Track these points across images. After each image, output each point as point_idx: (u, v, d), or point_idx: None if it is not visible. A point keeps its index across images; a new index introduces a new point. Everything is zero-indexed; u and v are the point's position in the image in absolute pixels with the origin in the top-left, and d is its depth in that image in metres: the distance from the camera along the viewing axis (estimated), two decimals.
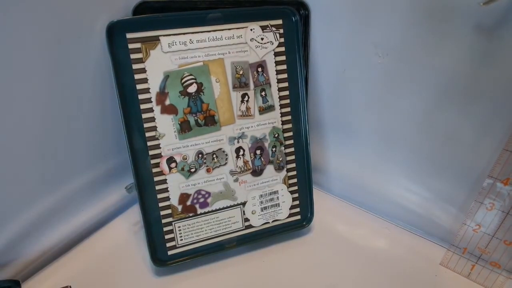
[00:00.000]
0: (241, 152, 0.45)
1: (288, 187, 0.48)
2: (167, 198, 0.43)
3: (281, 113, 0.46)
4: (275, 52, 0.44)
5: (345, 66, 0.47)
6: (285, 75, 0.45)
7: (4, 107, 0.36)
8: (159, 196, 0.43)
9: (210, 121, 0.43)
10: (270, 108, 0.45)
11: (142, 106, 0.41)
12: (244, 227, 0.47)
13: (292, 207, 0.49)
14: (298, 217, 0.49)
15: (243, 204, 0.46)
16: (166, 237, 0.44)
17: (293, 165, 0.48)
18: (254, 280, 0.44)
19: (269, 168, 0.47)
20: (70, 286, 0.40)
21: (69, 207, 0.47)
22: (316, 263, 0.46)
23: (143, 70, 0.40)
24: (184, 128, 0.42)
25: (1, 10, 0.33)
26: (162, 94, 0.41)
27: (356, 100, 0.48)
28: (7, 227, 0.40)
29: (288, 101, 0.46)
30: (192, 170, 0.44)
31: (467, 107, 0.39)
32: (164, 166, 0.42)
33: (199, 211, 0.45)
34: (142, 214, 0.42)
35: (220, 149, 0.44)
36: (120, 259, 0.47)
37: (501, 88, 0.36)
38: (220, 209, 0.46)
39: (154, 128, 0.41)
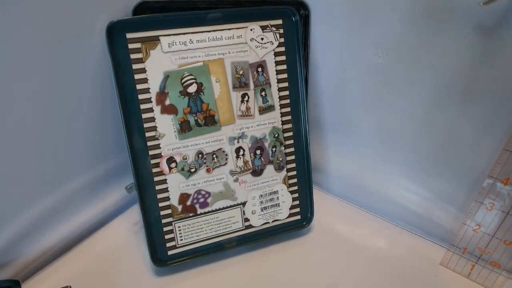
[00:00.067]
0: (241, 152, 0.45)
1: (288, 187, 0.48)
2: (167, 198, 0.43)
3: (281, 113, 0.46)
4: (275, 52, 0.44)
5: (345, 66, 0.47)
6: (285, 75, 0.45)
7: (4, 107, 0.36)
8: (159, 196, 0.43)
9: (210, 121, 0.43)
10: (270, 108, 0.45)
11: (142, 106, 0.41)
12: (244, 227, 0.47)
13: (292, 207, 0.49)
14: (298, 217, 0.49)
15: (243, 204, 0.46)
16: (166, 237, 0.44)
17: (293, 165, 0.48)
18: (254, 280, 0.44)
19: (269, 168, 0.47)
20: (70, 286, 0.40)
21: (69, 207, 0.47)
22: (316, 263, 0.46)
23: (143, 70, 0.40)
24: (184, 128, 0.42)
25: (1, 10, 0.33)
26: (162, 94, 0.41)
27: (356, 100, 0.48)
28: (7, 227, 0.40)
29: (288, 101, 0.46)
30: (192, 170, 0.44)
31: (467, 107, 0.39)
32: (164, 166, 0.42)
33: (199, 211, 0.45)
34: (142, 214, 0.42)
35: (220, 149, 0.44)
36: (120, 259, 0.47)
37: (501, 88, 0.36)
38: (220, 209, 0.46)
39: (154, 128, 0.41)
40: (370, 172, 0.52)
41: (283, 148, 0.47)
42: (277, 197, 0.48)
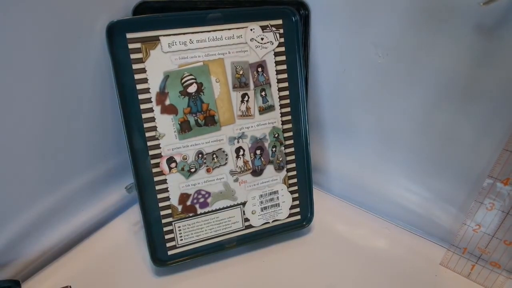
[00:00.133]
0: (241, 152, 0.45)
1: (288, 187, 0.48)
2: (167, 198, 0.43)
3: (281, 113, 0.46)
4: (275, 52, 0.44)
5: (345, 66, 0.47)
6: (285, 75, 0.45)
7: (4, 107, 0.36)
8: (159, 196, 0.43)
9: (210, 121, 0.43)
10: (270, 108, 0.45)
11: (142, 106, 0.41)
12: (244, 227, 0.47)
13: (292, 207, 0.49)
14: (298, 217, 0.49)
15: (243, 204, 0.46)
16: (166, 237, 0.44)
17: (293, 165, 0.48)
18: (254, 280, 0.44)
19: (269, 168, 0.47)
20: (70, 286, 0.40)
21: (69, 207, 0.47)
22: (316, 263, 0.46)
23: (143, 70, 0.40)
24: (184, 128, 0.42)
25: (1, 10, 0.33)
26: (162, 94, 0.41)
27: (356, 100, 0.48)
28: (7, 227, 0.40)
29: (288, 101, 0.46)
30: (192, 170, 0.44)
31: (467, 107, 0.39)
32: (164, 166, 0.42)
33: (199, 211, 0.45)
34: (142, 214, 0.42)
35: (220, 149, 0.44)
36: (120, 259, 0.47)
37: (501, 88, 0.36)
38: (220, 209, 0.46)
39: (154, 128, 0.41)
40: (370, 172, 0.52)
41: (283, 148, 0.47)
42: (277, 197, 0.48)
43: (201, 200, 0.45)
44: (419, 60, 0.40)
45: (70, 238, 0.48)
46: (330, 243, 0.49)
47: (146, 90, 0.40)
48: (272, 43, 0.44)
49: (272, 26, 0.44)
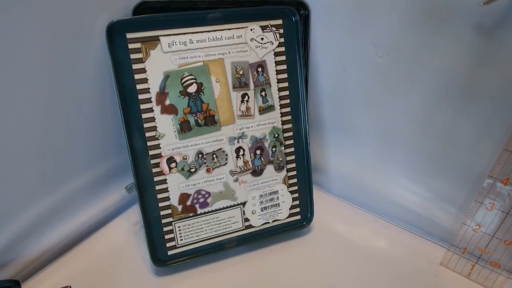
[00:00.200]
0: (241, 152, 0.45)
1: (288, 187, 0.48)
2: (167, 198, 0.43)
3: (281, 113, 0.46)
4: (275, 52, 0.44)
5: (345, 66, 0.47)
6: (285, 75, 0.45)
7: (4, 107, 0.36)
8: (159, 196, 0.43)
9: (210, 121, 0.43)
10: (270, 108, 0.45)
11: (142, 106, 0.41)
12: (244, 227, 0.47)
13: (292, 207, 0.49)
14: (298, 217, 0.49)
15: (243, 204, 0.46)
16: (166, 237, 0.44)
17: (293, 165, 0.48)
18: (254, 280, 0.44)
19: (269, 168, 0.47)
20: (70, 286, 0.40)
21: (69, 207, 0.47)
22: (316, 263, 0.46)
23: (143, 70, 0.40)
24: (184, 128, 0.42)
25: (1, 10, 0.33)
26: (162, 94, 0.41)
27: (356, 100, 0.48)
28: (7, 227, 0.40)
29: (288, 101, 0.46)
30: (192, 170, 0.44)
31: (467, 107, 0.39)
32: (164, 166, 0.42)
33: (199, 211, 0.45)
34: (142, 214, 0.42)
35: (220, 149, 0.44)
36: (120, 259, 0.47)
37: (501, 88, 0.36)
38: (220, 209, 0.46)
39: (154, 128, 0.41)
40: (370, 172, 0.52)
41: (283, 148, 0.47)
42: (277, 197, 0.48)
43: (201, 200, 0.45)
44: (419, 60, 0.40)
45: (70, 238, 0.48)
46: (330, 243, 0.49)
47: (146, 90, 0.40)
48: (272, 43, 0.44)
49: (272, 26, 0.44)
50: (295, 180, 0.48)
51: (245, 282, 0.44)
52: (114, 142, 0.49)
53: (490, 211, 0.40)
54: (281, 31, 0.44)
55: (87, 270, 0.45)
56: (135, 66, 0.40)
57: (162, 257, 0.44)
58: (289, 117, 0.47)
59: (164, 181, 0.43)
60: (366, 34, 0.43)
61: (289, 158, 0.47)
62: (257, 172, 0.46)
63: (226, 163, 0.45)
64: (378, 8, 0.40)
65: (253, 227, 0.47)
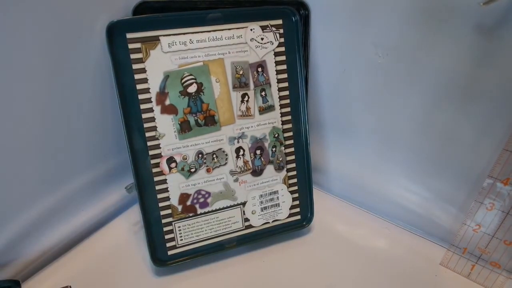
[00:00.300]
0: (241, 152, 0.45)
1: (288, 187, 0.48)
2: (167, 198, 0.43)
3: (281, 113, 0.46)
4: (275, 52, 0.44)
5: (345, 66, 0.47)
6: (285, 75, 0.45)
7: (4, 107, 0.36)
8: (159, 196, 0.43)
9: (210, 121, 0.43)
10: (270, 108, 0.45)
11: (142, 106, 0.41)
12: (244, 227, 0.47)
13: (292, 207, 0.49)
14: (298, 217, 0.49)
15: (243, 204, 0.46)
16: (166, 237, 0.44)
17: (293, 165, 0.48)
18: (254, 280, 0.44)
19: (269, 168, 0.47)
20: (70, 286, 0.40)
21: (69, 207, 0.47)
22: (316, 263, 0.46)
23: (143, 70, 0.40)
24: (184, 128, 0.42)
25: (1, 10, 0.33)
26: (162, 94, 0.41)
27: (356, 100, 0.48)
28: (7, 227, 0.40)
29: (288, 101, 0.46)
30: (192, 170, 0.44)
31: (467, 107, 0.39)
32: (164, 166, 0.42)
33: (199, 211, 0.45)
34: (142, 214, 0.42)
35: (220, 149, 0.44)
36: (120, 259, 0.47)
37: (501, 88, 0.36)
38: (220, 209, 0.46)
39: (154, 128, 0.41)
40: (370, 172, 0.52)
41: (283, 148, 0.47)
42: (277, 197, 0.48)
43: (201, 200, 0.45)
44: (419, 60, 0.40)
45: (70, 238, 0.48)
46: (330, 243, 0.49)
47: (146, 90, 0.40)
48: (272, 43, 0.44)
49: (272, 26, 0.44)
50: (295, 180, 0.48)
51: (245, 282, 0.44)
52: (114, 142, 0.49)
53: (490, 211, 0.40)
54: (281, 31, 0.44)
55: (87, 270, 0.45)
56: (135, 66, 0.40)
57: (162, 257, 0.44)
58: (289, 117, 0.47)
59: (164, 181, 0.43)
60: (366, 34, 0.43)
61: (289, 158, 0.47)
62: (257, 172, 0.46)
63: (226, 163, 0.45)
64: (378, 8, 0.40)
65: (253, 227, 0.47)
